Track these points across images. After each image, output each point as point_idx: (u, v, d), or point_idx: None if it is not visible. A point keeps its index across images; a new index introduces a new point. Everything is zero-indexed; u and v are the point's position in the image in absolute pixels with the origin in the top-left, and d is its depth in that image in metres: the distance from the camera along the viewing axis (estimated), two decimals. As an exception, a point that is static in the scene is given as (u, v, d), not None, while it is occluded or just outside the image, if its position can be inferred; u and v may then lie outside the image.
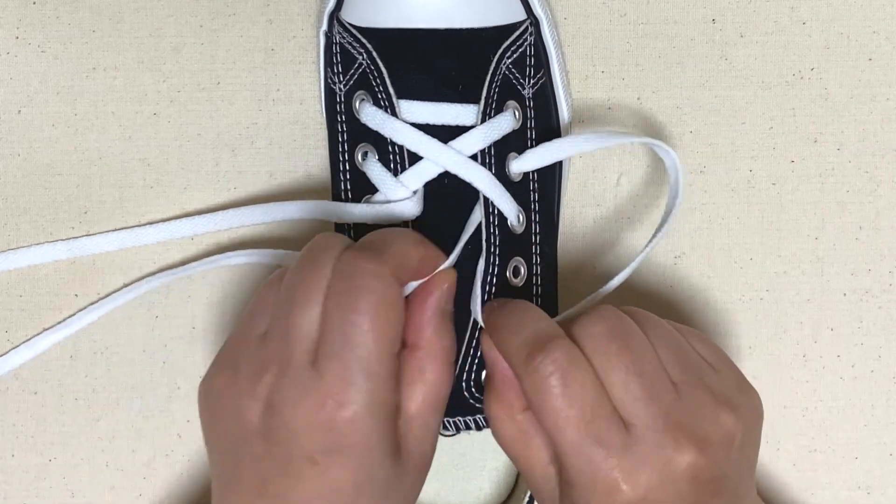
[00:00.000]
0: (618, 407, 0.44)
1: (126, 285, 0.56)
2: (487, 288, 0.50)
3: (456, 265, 0.48)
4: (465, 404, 0.50)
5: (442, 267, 0.46)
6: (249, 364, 0.44)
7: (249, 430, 0.44)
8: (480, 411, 0.50)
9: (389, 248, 0.45)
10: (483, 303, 0.49)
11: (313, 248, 0.45)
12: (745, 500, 0.46)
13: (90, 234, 0.56)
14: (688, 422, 0.44)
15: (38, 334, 0.56)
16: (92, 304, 0.56)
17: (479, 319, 0.48)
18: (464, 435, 0.54)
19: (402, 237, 0.46)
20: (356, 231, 0.51)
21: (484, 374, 0.49)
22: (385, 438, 0.43)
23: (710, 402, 0.45)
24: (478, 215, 0.50)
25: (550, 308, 0.52)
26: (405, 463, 0.45)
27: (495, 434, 0.48)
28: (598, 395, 0.44)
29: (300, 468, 0.43)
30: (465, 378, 0.50)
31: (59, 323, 0.56)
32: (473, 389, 0.50)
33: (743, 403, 0.46)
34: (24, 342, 0.56)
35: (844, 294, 0.57)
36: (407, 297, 0.46)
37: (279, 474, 0.43)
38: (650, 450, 0.43)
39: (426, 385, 0.45)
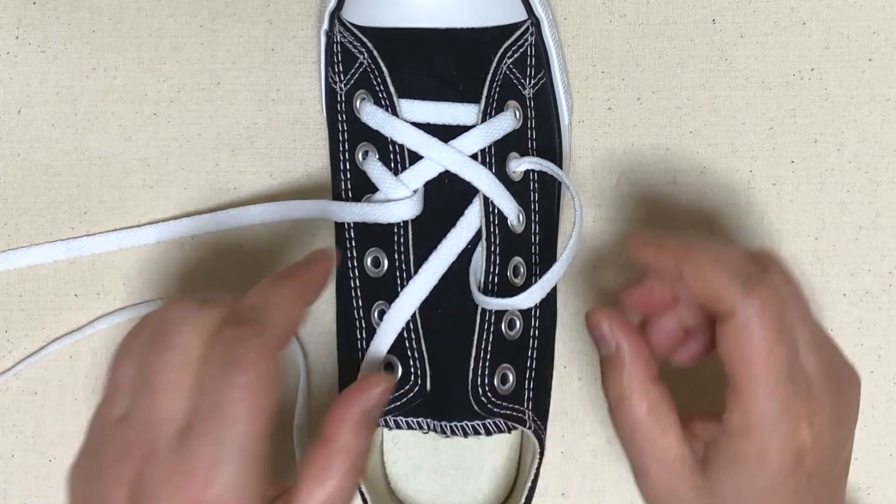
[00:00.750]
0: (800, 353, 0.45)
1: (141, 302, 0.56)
2: (489, 288, 0.50)
3: (456, 267, 0.48)
4: (469, 410, 0.50)
5: (389, 377, 0.46)
6: (112, 449, 0.42)
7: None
8: (483, 417, 0.50)
9: (267, 316, 0.43)
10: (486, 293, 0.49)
11: (169, 318, 0.43)
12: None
13: (90, 234, 0.56)
14: (841, 372, 0.46)
15: (49, 343, 0.56)
16: (107, 314, 0.56)
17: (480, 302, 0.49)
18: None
19: (279, 299, 0.44)
20: (356, 231, 0.51)
21: (600, 355, 0.47)
22: None
23: (834, 387, 0.46)
24: (476, 211, 0.50)
25: (550, 308, 0.52)
26: None
27: (620, 419, 0.46)
28: (796, 339, 0.45)
29: None
30: (471, 386, 0.49)
31: (74, 331, 0.56)
32: (481, 395, 0.49)
33: (850, 388, 0.47)
34: (32, 354, 0.56)
35: (844, 294, 0.57)
36: (339, 390, 0.45)
37: None
38: (824, 395, 0.44)
39: (326, 485, 0.43)
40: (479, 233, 0.50)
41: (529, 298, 0.49)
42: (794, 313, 0.45)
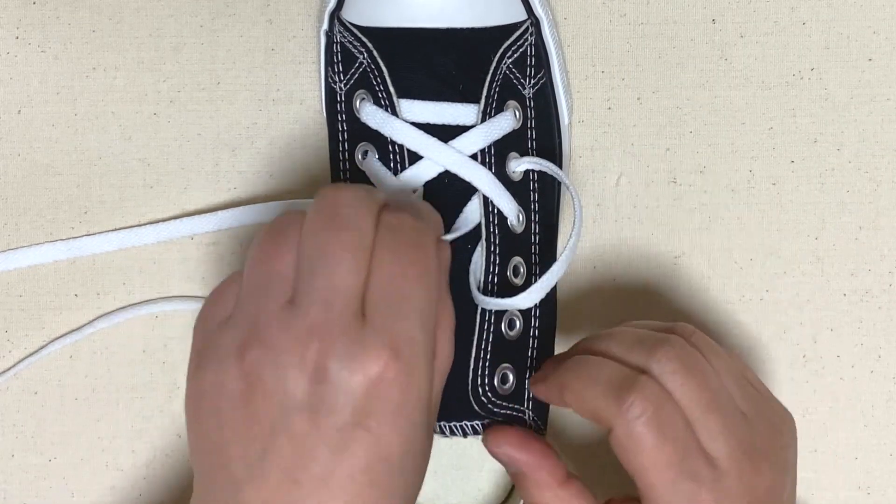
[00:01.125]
0: (702, 442, 0.45)
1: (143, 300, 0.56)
2: (489, 288, 0.50)
3: (455, 267, 0.48)
4: (469, 410, 0.50)
5: (445, 237, 0.46)
6: (286, 335, 0.41)
7: (291, 406, 0.40)
8: (484, 417, 0.50)
9: (424, 213, 0.45)
10: (486, 293, 0.50)
11: (341, 201, 0.43)
12: None
13: (90, 234, 0.56)
14: (761, 447, 0.46)
15: (49, 343, 0.56)
16: (110, 312, 0.57)
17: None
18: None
19: (427, 207, 0.46)
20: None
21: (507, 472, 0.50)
22: (430, 396, 0.42)
23: (769, 427, 0.46)
24: (474, 209, 0.50)
25: (550, 308, 0.52)
26: (434, 415, 0.44)
27: None
28: (688, 430, 0.45)
29: (350, 438, 0.40)
30: (471, 386, 0.49)
31: (74, 331, 0.56)
32: (481, 395, 0.49)
33: (786, 432, 0.48)
34: (32, 353, 0.57)
35: (844, 294, 0.57)
36: None
37: (325, 451, 0.40)
38: (736, 480, 0.45)
39: (436, 357, 0.44)
40: (478, 232, 0.50)
41: (529, 298, 0.49)
42: (688, 390, 0.45)
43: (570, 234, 0.50)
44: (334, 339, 0.40)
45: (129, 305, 0.56)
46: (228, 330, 0.42)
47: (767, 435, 0.46)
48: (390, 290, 0.41)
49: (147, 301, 0.56)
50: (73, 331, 0.56)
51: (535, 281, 0.50)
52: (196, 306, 0.56)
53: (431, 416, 0.43)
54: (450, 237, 0.48)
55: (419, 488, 0.44)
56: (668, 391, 0.45)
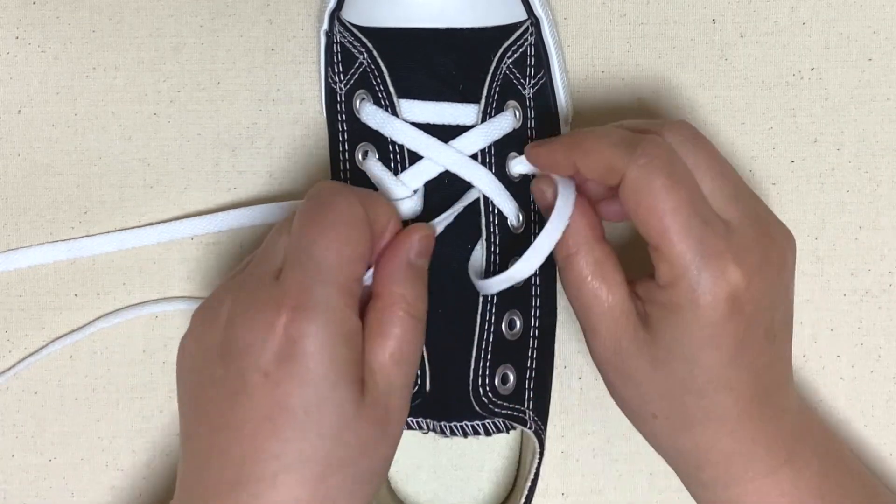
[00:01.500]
0: (713, 205, 0.45)
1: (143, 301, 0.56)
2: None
3: (456, 268, 0.48)
4: (469, 410, 0.50)
5: (429, 224, 0.47)
6: (267, 298, 0.43)
7: (210, 355, 0.43)
8: (484, 417, 0.50)
9: (372, 196, 0.46)
10: (488, 300, 0.49)
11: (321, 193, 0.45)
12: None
13: (90, 235, 0.56)
14: (770, 221, 0.46)
15: (49, 343, 0.56)
16: (111, 312, 0.57)
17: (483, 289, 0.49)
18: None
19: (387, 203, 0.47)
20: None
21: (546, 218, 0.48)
22: (343, 363, 0.42)
23: (769, 213, 0.47)
24: (474, 192, 0.50)
25: (550, 308, 0.52)
26: (367, 412, 0.43)
27: (567, 278, 0.48)
28: (697, 187, 0.45)
29: (253, 383, 0.42)
30: (472, 386, 0.49)
31: (74, 331, 0.57)
32: (482, 395, 0.49)
33: (786, 237, 0.47)
34: (32, 353, 0.57)
35: (844, 294, 0.57)
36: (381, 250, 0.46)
37: (237, 395, 0.42)
38: (749, 239, 0.45)
39: (388, 339, 0.44)
40: (478, 232, 0.50)
41: (527, 266, 0.48)
42: (697, 160, 0.45)
43: (558, 196, 0.48)
44: (243, 290, 0.43)
45: (130, 306, 0.56)
46: (229, 292, 0.45)
47: (770, 221, 0.46)
48: (297, 248, 0.43)
49: (147, 301, 0.56)
50: (74, 331, 0.56)
51: (535, 280, 0.51)
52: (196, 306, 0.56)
53: (364, 396, 0.43)
54: (440, 225, 0.48)
55: (358, 466, 0.43)
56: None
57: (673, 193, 0.44)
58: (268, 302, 0.42)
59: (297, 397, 0.41)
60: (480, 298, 0.49)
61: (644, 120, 0.49)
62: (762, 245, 0.45)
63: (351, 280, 0.43)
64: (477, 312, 0.49)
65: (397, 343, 0.44)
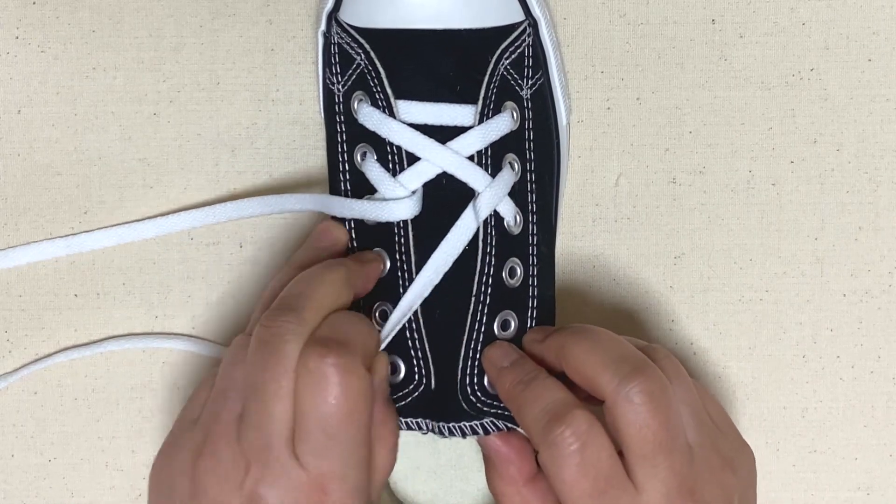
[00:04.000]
0: (633, 471, 0.45)
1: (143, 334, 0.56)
2: (483, 289, 0.50)
3: (452, 267, 0.48)
4: (460, 410, 0.50)
5: (382, 347, 0.48)
6: (232, 453, 0.44)
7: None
8: (477, 417, 0.50)
9: (351, 336, 0.45)
10: (480, 300, 0.49)
11: (271, 335, 0.45)
12: None
13: (88, 231, 0.56)
14: (696, 486, 0.45)
15: (55, 353, 0.57)
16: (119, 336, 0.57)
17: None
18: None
19: (359, 322, 0.47)
20: (357, 231, 0.51)
21: (487, 380, 0.50)
22: None
23: (718, 464, 0.46)
24: (465, 227, 0.50)
25: (547, 309, 0.52)
26: None
27: None
28: (613, 465, 0.45)
29: None
30: (460, 385, 0.49)
31: (81, 346, 0.57)
32: (470, 395, 0.49)
33: (742, 464, 0.48)
34: (35, 361, 0.57)
35: (844, 295, 0.57)
36: None
37: None
38: (705, 467, 0.45)
39: (374, 471, 0.46)
40: (476, 233, 0.50)
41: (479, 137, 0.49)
42: (646, 442, 0.45)
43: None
44: (268, 468, 0.43)
45: (143, 334, 0.57)
46: (193, 431, 0.45)
47: (710, 476, 0.46)
48: (316, 432, 0.43)
49: (155, 334, 0.57)
50: (81, 346, 0.56)
51: (532, 282, 0.51)
52: (194, 349, 0.56)
53: None
54: (386, 342, 0.49)
55: None
56: (618, 425, 0.45)
57: (577, 485, 0.44)
58: (298, 487, 0.43)
59: None
60: (472, 299, 0.49)
61: (631, 337, 0.49)
62: (718, 478, 0.46)
63: (366, 445, 0.45)
64: (468, 313, 0.49)
65: (379, 474, 0.47)
